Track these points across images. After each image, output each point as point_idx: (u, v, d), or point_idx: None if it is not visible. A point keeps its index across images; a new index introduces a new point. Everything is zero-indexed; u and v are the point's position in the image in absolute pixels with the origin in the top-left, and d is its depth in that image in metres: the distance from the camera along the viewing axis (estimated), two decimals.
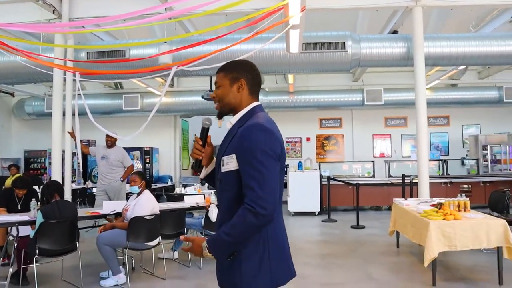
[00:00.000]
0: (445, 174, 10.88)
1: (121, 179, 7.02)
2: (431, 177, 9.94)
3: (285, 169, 11.87)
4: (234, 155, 1.72)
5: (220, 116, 1.93)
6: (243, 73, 1.86)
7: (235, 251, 1.69)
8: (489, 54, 7.42)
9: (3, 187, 9.00)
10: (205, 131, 1.94)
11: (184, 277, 5.01)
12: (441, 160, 11.25)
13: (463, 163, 12.40)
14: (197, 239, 1.75)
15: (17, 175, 8.95)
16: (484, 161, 11.38)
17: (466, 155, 12.39)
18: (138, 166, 13.41)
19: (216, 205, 1.84)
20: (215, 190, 6.72)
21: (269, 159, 1.67)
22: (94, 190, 8.55)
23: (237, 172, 1.71)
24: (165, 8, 6.27)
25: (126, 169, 7.10)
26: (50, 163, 13.59)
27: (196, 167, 1.98)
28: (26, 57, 5.60)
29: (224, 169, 1.76)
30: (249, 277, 1.70)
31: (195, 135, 2.05)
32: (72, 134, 6.96)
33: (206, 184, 8.98)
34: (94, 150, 7.28)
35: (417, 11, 6.55)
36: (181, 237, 1.82)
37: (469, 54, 7.40)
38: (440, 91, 11.83)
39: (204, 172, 2.01)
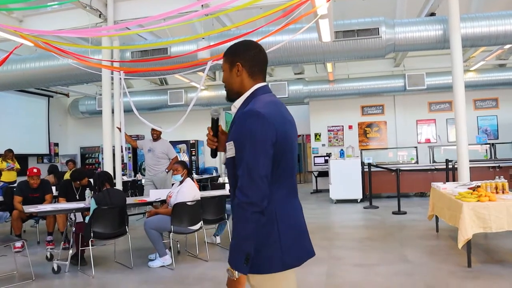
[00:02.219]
0: (493, 158, 10.52)
1: (166, 170, 7.46)
2: (478, 161, 9.77)
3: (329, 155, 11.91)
4: (232, 142, 1.71)
5: (228, 100, 1.89)
6: (238, 56, 1.81)
7: (248, 252, 1.61)
8: None
9: (62, 180, 9.82)
10: (214, 122, 1.94)
11: (225, 259, 5.27)
12: (489, 144, 10.89)
13: None
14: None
15: (74, 169, 9.71)
16: None
17: None
18: (185, 158, 13.98)
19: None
20: None
21: (258, 146, 1.62)
22: (143, 181, 9.10)
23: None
24: (202, 5, 6.57)
25: (171, 160, 7.53)
26: (103, 158, 14.52)
27: (213, 155, 2.01)
28: (76, 60, 6.10)
29: (226, 155, 1.76)
30: (261, 260, 1.69)
31: (208, 126, 2.12)
32: (120, 129, 7.47)
33: None
34: (142, 143, 7.76)
35: None
36: None
37: (510, 33, 7.14)
38: (487, 72, 11.40)
39: (224, 157, 1.90)
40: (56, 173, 9.65)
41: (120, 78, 7.19)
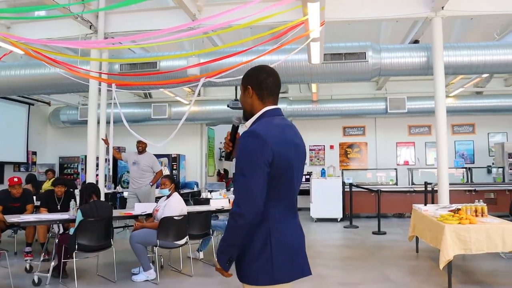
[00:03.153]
0: (469, 182, 10.85)
1: (151, 184, 7.41)
2: (455, 184, 10.04)
3: (307, 175, 12.07)
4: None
5: (245, 120, 2.03)
6: (249, 81, 1.96)
7: (231, 256, 1.81)
8: (510, 62, 7.48)
9: (41, 190, 9.62)
10: (234, 129, 2.05)
11: (209, 275, 5.31)
12: (466, 168, 11.23)
13: (489, 171, 12.30)
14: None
15: (53, 179, 9.55)
16: (510, 169, 11.27)
17: (492, 163, 12.28)
18: (166, 172, 13.89)
19: None
20: None
21: (253, 165, 1.74)
22: (125, 194, 9.01)
23: None
24: (193, 26, 6.63)
25: (155, 174, 7.50)
26: (82, 169, 14.28)
27: (226, 157, 2.11)
28: (67, 70, 6.08)
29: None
30: (252, 273, 1.83)
31: (228, 131, 2.17)
32: (106, 141, 7.41)
33: (231, 189, 9.33)
34: (126, 156, 7.70)
35: (436, 21, 6.71)
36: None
37: (490, 63, 7.48)
38: (465, 98, 11.82)
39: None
40: (34, 183, 9.46)
41: (109, 90, 7.20)
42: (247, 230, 1.77)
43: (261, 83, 1.95)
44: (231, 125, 2.06)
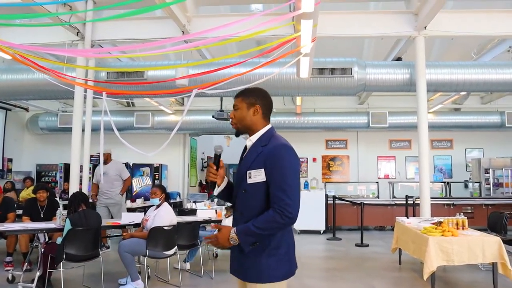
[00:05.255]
0: (448, 196, 11.14)
1: (121, 193, 7.37)
2: (434, 198, 10.27)
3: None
4: (263, 169, 2.03)
5: (237, 135, 2.23)
6: (259, 100, 2.18)
7: (257, 241, 2.01)
8: (488, 81, 7.81)
9: (18, 198, 9.41)
10: (217, 157, 2.23)
11: (197, 285, 5.30)
12: (444, 182, 11.54)
13: (466, 186, 12.65)
14: (224, 228, 2.05)
15: (32, 187, 9.37)
16: (487, 184, 11.62)
17: (469, 178, 12.64)
18: (148, 182, 13.76)
19: (240, 212, 2.09)
20: (226, 206, 7.00)
21: (295, 174, 2.03)
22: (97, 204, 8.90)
23: (265, 183, 2.04)
24: (185, 41, 6.67)
25: (124, 182, 7.47)
26: (61, 177, 13.98)
27: (212, 187, 2.28)
28: (56, 77, 6.03)
29: (251, 181, 2.07)
30: (273, 268, 2.02)
31: (210, 161, 2.31)
32: (94, 196, 7.41)
33: (215, 200, 9.32)
34: (97, 170, 7.64)
35: (419, 40, 6.96)
36: (212, 225, 2.12)
37: (469, 81, 7.79)
38: (444, 115, 12.17)
39: (218, 190, 2.28)
40: (14, 191, 9.28)
41: (95, 98, 7.14)
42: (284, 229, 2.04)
43: (269, 104, 2.22)
44: (214, 154, 2.24)
